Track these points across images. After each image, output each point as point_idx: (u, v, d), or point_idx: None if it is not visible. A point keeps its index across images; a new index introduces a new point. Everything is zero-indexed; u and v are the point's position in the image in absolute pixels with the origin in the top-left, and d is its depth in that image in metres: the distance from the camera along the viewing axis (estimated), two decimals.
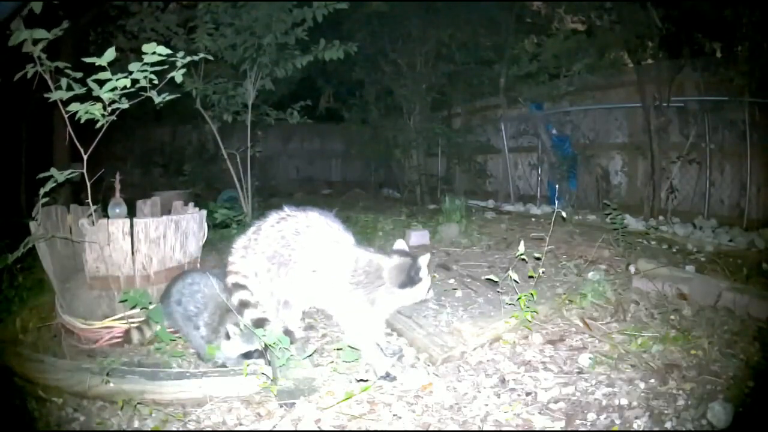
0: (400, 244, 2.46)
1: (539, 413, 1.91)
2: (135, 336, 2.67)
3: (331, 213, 2.47)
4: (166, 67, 2.69)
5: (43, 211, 2.84)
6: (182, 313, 2.53)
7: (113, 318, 2.74)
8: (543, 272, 3.08)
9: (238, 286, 2.31)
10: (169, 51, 2.56)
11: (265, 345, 2.23)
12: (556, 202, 3.72)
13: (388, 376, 2.19)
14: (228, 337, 2.32)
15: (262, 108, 6.16)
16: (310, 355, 2.28)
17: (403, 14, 8.46)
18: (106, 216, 3.12)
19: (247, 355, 2.33)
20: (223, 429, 1.95)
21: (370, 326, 2.29)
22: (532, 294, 2.65)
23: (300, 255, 2.26)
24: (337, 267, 2.26)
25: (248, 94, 5.57)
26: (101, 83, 2.59)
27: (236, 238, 2.44)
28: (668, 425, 1.80)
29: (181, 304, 2.53)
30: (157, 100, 2.80)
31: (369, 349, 2.27)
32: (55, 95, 2.63)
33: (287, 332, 2.27)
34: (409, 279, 2.26)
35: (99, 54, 2.49)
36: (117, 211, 3.32)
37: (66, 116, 2.70)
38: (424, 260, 2.29)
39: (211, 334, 2.41)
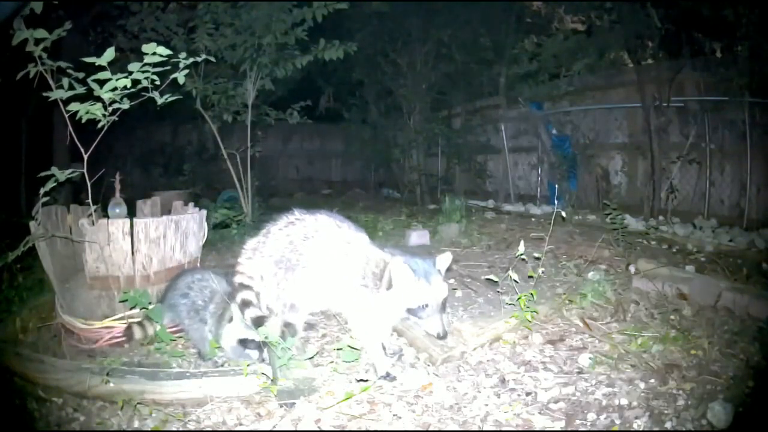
0: (415, 237, 2.40)
1: (539, 413, 1.91)
2: (137, 332, 2.68)
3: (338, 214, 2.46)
4: (168, 68, 2.69)
5: (43, 210, 2.84)
6: (189, 307, 2.57)
7: (113, 318, 2.74)
8: (543, 272, 3.08)
9: (243, 286, 2.34)
10: (169, 51, 2.56)
11: (265, 343, 2.24)
12: (556, 202, 3.72)
13: (388, 376, 2.19)
14: (231, 319, 2.38)
15: (262, 108, 6.16)
16: (311, 357, 2.28)
17: (403, 14, 8.46)
18: (106, 216, 3.12)
19: (244, 343, 2.33)
20: (223, 429, 1.95)
21: (376, 325, 2.27)
22: (532, 294, 2.65)
23: (308, 260, 2.27)
24: (347, 270, 2.24)
25: (248, 94, 5.57)
26: (101, 83, 2.59)
27: (247, 239, 2.47)
28: (668, 425, 1.80)
29: (188, 297, 2.58)
30: (160, 101, 2.80)
31: (372, 348, 2.26)
32: (56, 94, 2.63)
33: (287, 324, 2.29)
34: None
35: (99, 54, 2.49)
36: (117, 211, 3.32)
37: (66, 116, 2.70)
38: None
39: (216, 323, 2.47)
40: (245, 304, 2.31)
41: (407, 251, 2.34)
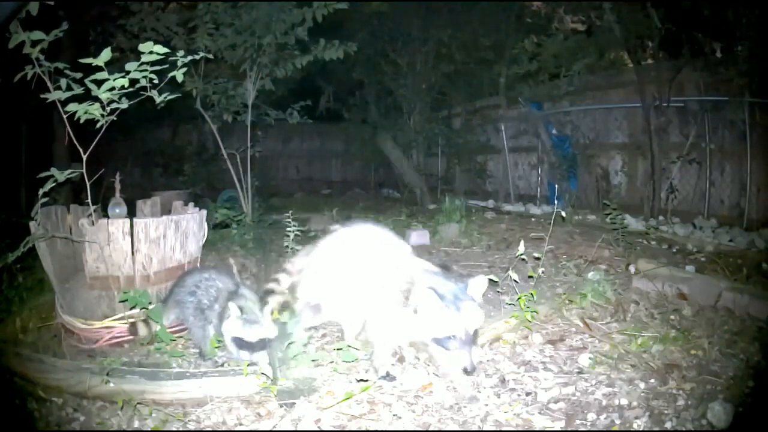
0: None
1: (539, 413, 1.91)
2: (142, 329, 2.69)
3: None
4: (166, 66, 2.68)
5: (43, 211, 2.84)
6: (195, 305, 2.58)
7: (113, 318, 2.74)
8: (543, 272, 3.08)
9: (285, 270, 2.59)
10: (167, 50, 2.56)
11: (261, 344, 2.30)
12: (556, 202, 3.72)
13: (387, 376, 2.19)
14: (228, 316, 2.40)
15: (262, 108, 6.16)
16: (316, 360, 2.28)
17: (403, 14, 8.47)
18: (106, 216, 3.12)
19: (239, 342, 2.35)
20: (223, 429, 1.95)
21: (393, 333, 2.17)
22: (532, 294, 2.65)
23: (339, 268, 2.32)
24: (375, 282, 2.20)
25: (248, 94, 5.56)
26: (99, 83, 2.59)
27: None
28: (668, 425, 1.79)
29: (195, 296, 2.59)
30: (158, 100, 2.80)
31: (381, 349, 2.23)
32: (54, 95, 2.63)
33: (285, 304, 2.43)
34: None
35: (98, 54, 2.49)
36: (117, 211, 3.32)
37: (65, 116, 2.70)
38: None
39: (220, 323, 2.49)
40: (273, 280, 2.57)
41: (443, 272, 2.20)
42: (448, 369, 2.04)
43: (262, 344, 2.32)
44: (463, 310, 1.96)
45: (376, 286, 2.21)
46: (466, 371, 1.95)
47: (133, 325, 2.70)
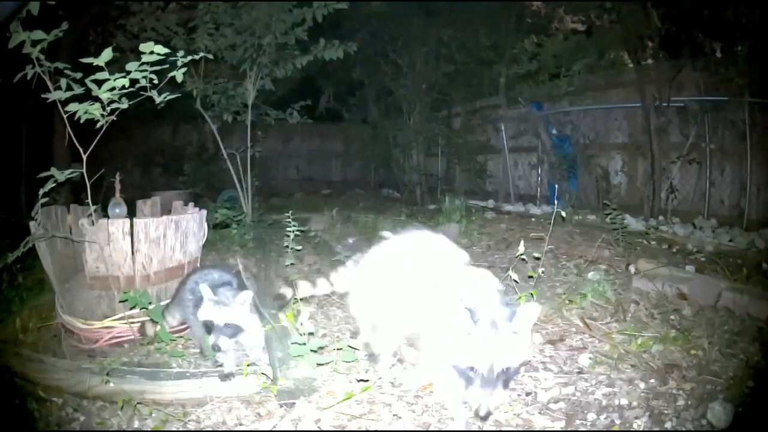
0: (525, 314, 1.70)
1: (539, 413, 1.91)
2: (150, 329, 2.71)
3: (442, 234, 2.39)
4: (166, 66, 2.68)
5: (43, 211, 2.84)
6: (194, 303, 2.56)
7: (113, 318, 2.74)
8: (543, 272, 3.08)
9: (327, 278, 2.76)
10: (167, 50, 2.56)
11: (231, 329, 2.28)
12: (556, 202, 3.72)
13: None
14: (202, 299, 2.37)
15: (262, 108, 6.16)
16: (316, 350, 2.27)
17: (403, 14, 8.46)
18: (106, 216, 3.12)
19: (210, 326, 2.30)
20: (223, 429, 1.95)
21: (449, 351, 1.75)
22: (532, 294, 2.65)
23: (390, 276, 2.21)
24: (428, 294, 1.99)
25: (248, 94, 5.56)
26: (99, 83, 2.59)
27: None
28: (668, 425, 1.80)
29: (194, 293, 2.57)
30: (158, 100, 2.80)
31: (439, 370, 1.86)
32: (54, 95, 2.63)
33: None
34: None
35: (98, 54, 2.49)
36: (117, 211, 3.32)
37: (65, 116, 2.70)
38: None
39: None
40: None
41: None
42: (457, 405, 1.83)
43: (230, 330, 2.27)
44: (496, 342, 1.62)
45: (422, 299, 1.96)
46: (476, 413, 1.62)
47: (142, 326, 2.72)
